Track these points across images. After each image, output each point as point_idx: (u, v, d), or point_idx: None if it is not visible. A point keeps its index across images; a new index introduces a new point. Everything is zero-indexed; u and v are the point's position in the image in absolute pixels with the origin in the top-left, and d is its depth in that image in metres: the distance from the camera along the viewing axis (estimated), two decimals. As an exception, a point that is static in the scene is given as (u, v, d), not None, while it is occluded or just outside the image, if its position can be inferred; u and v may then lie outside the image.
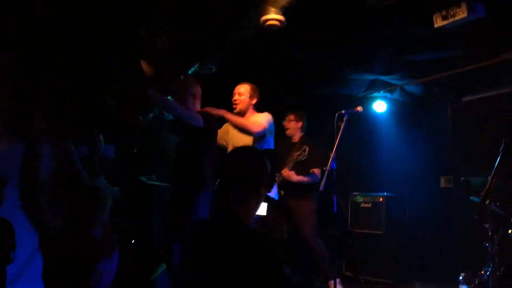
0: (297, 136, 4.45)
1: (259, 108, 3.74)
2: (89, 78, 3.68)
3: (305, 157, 4.05)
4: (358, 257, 5.14)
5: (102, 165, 4.13)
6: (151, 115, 4.09)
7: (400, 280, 4.75)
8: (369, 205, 5.20)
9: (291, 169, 4.10)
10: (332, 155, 3.28)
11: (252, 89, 3.66)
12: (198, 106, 3.40)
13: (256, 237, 1.55)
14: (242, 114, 3.61)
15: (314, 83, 5.18)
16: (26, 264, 4.54)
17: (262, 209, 3.18)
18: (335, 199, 3.27)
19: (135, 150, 4.23)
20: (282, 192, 4.10)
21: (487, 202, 4.17)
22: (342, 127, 3.40)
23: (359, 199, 5.30)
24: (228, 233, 1.57)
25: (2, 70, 3.45)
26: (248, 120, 3.55)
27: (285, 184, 4.12)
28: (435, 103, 5.58)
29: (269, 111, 4.05)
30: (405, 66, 4.58)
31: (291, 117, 4.46)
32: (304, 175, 4.17)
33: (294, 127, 4.44)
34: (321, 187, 3.19)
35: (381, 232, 5.00)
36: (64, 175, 3.39)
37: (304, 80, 5.04)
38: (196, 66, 4.00)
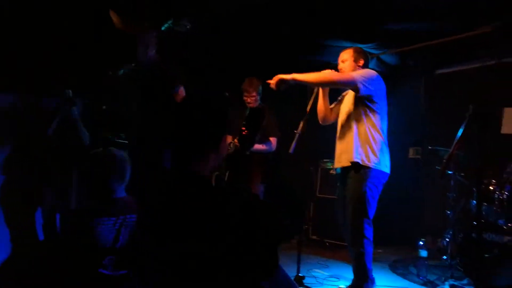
0: (254, 103, 4.16)
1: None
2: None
3: None
4: (324, 221, 5.24)
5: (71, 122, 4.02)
6: (122, 71, 3.99)
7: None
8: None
9: None
10: (304, 118, 3.25)
11: None
12: None
13: (229, 194, 1.48)
14: None
15: (290, 50, 5.12)
16: None
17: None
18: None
19: (104, 107, 4.13)
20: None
21: (452, 172, 4.32)
22: (315, 92, 3.36)
23: (329, 165, 5.36)
24: (197, 193, 1.46)
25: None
26: None
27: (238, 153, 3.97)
28: (410, 75, 5.63)
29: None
30: (382, 35, 4.57)
31: (254, 93, 4.10)
32: (260, 143, 4.00)
33: (255, 99, 4.13)
34: (291, 150, 3.18)
35: (347, 198, 5.08)
36: None
37: (280, 46, 4.97)
38: (170, 22, 3.86)
